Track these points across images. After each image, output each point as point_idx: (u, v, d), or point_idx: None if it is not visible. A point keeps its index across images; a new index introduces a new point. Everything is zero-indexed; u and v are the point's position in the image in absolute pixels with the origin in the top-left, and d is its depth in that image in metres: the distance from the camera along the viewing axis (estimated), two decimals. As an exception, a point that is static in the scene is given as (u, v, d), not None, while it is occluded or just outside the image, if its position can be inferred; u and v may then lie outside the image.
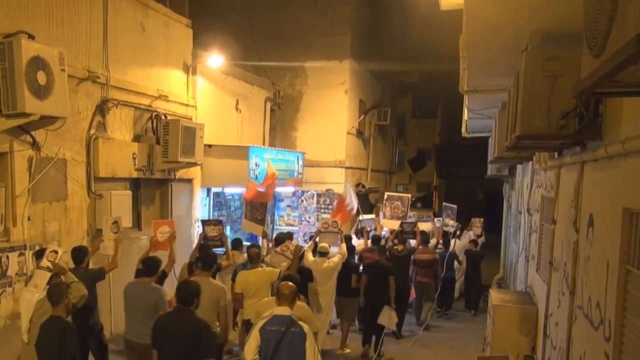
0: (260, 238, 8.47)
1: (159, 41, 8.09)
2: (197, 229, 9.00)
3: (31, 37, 5.45)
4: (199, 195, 9.33)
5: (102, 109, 6.87)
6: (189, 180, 8.98)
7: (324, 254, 7.55)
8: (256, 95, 11.41)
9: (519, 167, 9.71)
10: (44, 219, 6.04)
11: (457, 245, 11.13)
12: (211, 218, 9.16)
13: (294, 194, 12.21)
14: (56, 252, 4.80)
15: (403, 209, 10.24)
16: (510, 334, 5.87)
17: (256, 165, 9.49)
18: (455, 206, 11.98)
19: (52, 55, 5.54)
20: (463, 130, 10.69)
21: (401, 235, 9.50)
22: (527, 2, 3.60)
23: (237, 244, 7.52)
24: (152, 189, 8.28)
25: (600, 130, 3.40)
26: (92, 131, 6.73)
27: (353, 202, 9.93)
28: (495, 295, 6.55)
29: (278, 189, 10.60)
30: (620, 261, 2.76)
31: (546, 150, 5.20)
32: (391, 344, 8.38)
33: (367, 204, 15.01)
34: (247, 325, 5.45)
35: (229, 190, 10.22)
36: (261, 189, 8.52)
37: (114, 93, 7.02)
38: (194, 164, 8.44)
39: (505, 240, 13.37)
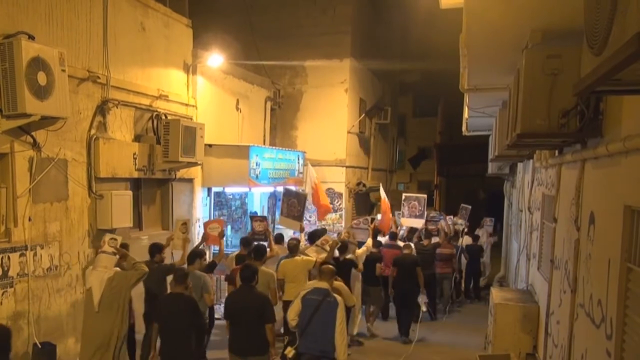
0: (299, 233, 9.14)
1: (159, 41, 8.08)
2: (199, 229, 9.00)
3: (31, 37, 5.44)
4: (200, 194, 9.32)
5: (102, 109, 6.86)
6: (190, 180, 8.98)
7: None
8: (256, 95, 11.40)
9: (520, 165, 9.71)
10: (45, 220, 6.05)
11: (465, 241, 11.75)
12: (213, 218, 9.34)
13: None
14: (116, 239, 5.46)
15: (420, 208, 11.07)
16: (512, 333, 5.87)
17: (257, 164, 9.49)
18: (470, 207, 12.32)
19: (53, 56, 5.54)
20: (464, 128, 10.71)
21: (426, 232, 10.45)
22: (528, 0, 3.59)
23: (279, 238, 8.42)
24: (153, 189, 8.28)
25: (601, 128, 3.39)
26: (93, 131, 6.73)
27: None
28: (496, 294, 6.55)
29: (278, 188, 10.64)
30: (622, 259, 2.76)
31: (547, 148, 5.19)
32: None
33: (368, 203, 15.00)
34: (287, 305, 6.21)
35: (229, 190, 10.22)
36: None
37: (114, 93, 7.02)
38: (195, 164, 8.44)
39: (506, 239, 13.41)
